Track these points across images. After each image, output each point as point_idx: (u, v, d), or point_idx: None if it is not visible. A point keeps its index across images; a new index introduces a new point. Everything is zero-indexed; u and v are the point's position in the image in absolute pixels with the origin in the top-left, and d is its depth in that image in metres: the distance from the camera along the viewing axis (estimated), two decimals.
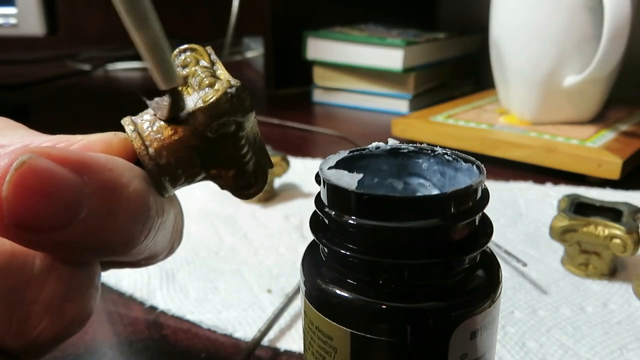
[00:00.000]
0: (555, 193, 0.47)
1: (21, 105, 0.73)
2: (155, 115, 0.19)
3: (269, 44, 0.89)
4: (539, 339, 0.29)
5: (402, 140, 0.20)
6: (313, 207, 0.18)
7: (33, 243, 0.16)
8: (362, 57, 0.77)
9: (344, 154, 0.19)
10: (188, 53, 0.21)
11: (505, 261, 0.36)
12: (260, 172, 0.22)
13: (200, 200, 0.48)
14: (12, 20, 0.68)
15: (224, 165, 0.21)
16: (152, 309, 0.33)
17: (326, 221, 0.17)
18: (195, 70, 0.20)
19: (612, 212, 0.35)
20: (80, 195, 0.16)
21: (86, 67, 1.08)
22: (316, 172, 0.18)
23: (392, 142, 0.20)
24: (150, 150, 0.19)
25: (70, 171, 0.16)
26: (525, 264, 0.35)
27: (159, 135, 0.19)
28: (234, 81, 0.19)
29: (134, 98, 0.90)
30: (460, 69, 0.87)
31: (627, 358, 0.27)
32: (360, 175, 0.18)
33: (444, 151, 0.19)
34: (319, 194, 0.18)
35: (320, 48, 0.80)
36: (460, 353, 0.17)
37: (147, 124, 0.19)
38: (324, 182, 0.17)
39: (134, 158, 0.19)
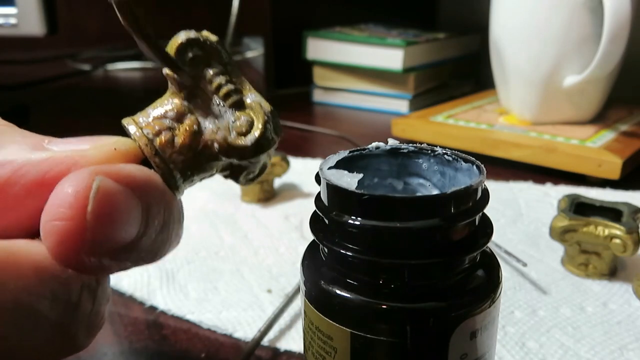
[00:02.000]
0: (555, 193, 0.47)
1: (21, 105, 0.73)
2: (163, 122, 0.18)
3: (269, 44, 0.89)
4: (539, 339, 0.29)
5: (402, 140, 0.20)
6: (313, 207, 0.18)
7: (101, 268, 0.16)
8: (362, 57, 0.77)
9: (344, 154, 0.19)
10: (196, 50, 0.18)
11: (505, 261, 0.36)
12: (263, 167, 0.21)
13: (200, 200, 0.48)
14: (12, 20, 0.68)
15: (239, 172, 0.20)
16: (152, 309, 0.33)
17: (326, 221, 0.17)
18: (212, 77, 0.19)
19: (612, 212, 0.35)
20: (145, 219, 0.16)
21: (86, 67, 1.08)
22: (316, 172, 0.18)
23: (392, 142, 0.20)
24: (164, 158, 0.18)
25: (134, 194, 0.16)
26: (525, 264, 0.35)
27: (171, 143, 0.18)
28: (265, 105, 0.19)
29: (134, 98, 0.90)
30: (460, 69, 0.87)
31: (627, 358, 0.27)
32: (360, 175, 0.18)
33: (444, 151, 0.19)
34: (319, 194, 0.18)
35: (320, 48, 0.80)
36: (460, 353, 0.17)
37: (155, 128, 0.18)
38: (324, 182, 0.17)
39: (139, 160, 0.18)
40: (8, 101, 0.75)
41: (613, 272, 0.34)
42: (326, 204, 0.17)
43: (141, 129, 0.18)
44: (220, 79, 0.18)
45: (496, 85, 0.64)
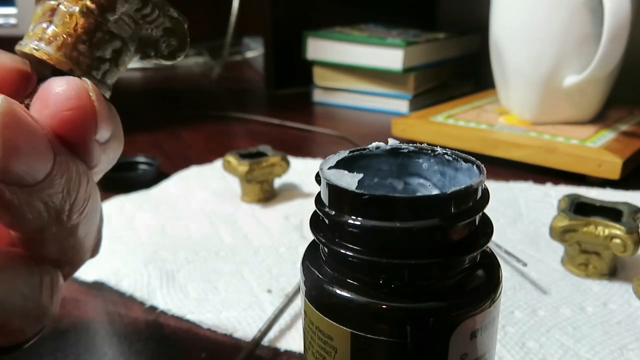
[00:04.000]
0: (555, 193, 0.47)
1: None
2: (41, 25, 0.19)
3: (269, 44, 0.90)
4: (539, 339, 0.29)
5: (402, 140, 0.20)
6: (313, 207, 0.18)
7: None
8: (362, 57, 0.77)
9: (344, 154, 0.19)
10: None
11: (505, 261, 0.36)
12: (180, 30, 0.21)
13: (200, 200, 0.48)
14: (12, 21, 0.68)
15: (143, 37, 0.21)
16: (152, 309, 0.33)
17: (326, 221, 0.17)
18: None
19: (612, 212, 0.35)
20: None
21: None
22: (316, 172, 0.18)
23: (392, 142, 0.20)
24: (67, 55, 0.19)
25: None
26: (525, 264, 0.35)
27: (66, 38, 0.19)
28: None
29: (133, 98, 0.90)
30: (460, 69, 0.87)
31: (627, 358, 0.27)
32: (360, 175, 0.18)
33: (444, 151, 0.19)
34: (319, 194, 0.18)
35: (320, 48, 0.80)
36: (460, 353, 0.17)
37: (44, 36, 0.19)
38: (324, 182, 0.17)
39: (47, 72, 0.19)
40: None
41: (613, 272, 0.34)
42: (326, 204, 0.17)
43: (26, 44, 0.19)
44: None
45: (496, 85, 0.64)
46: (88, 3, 0.19)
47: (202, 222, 0.43)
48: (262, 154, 0.47)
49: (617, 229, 0.32)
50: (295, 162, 0.54)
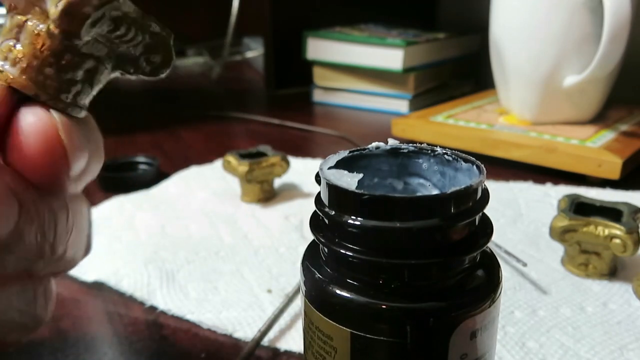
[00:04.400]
0: (555, 193, 0.47)
1: None
2: (11, 49, 0.17)
3: (269, 44, 0.90)
4: (539, 339, 0.29)
5: (402, 140, 0.20)
6: (313, 207, 0.18)
7: None
8: (362, 57, 0.77)
9: (344, 154, 0.19)
10: None
11: (505, 261, 0.36)
12: (163, 45, 0.20)
13: (200, 200, 0.48)
14: None
15: (119, 54, 0.19)
16: (152, 309, 0.33)
17: (326, 221, 0.17)
18: None
19: (612, 212, 0.35)
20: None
21: None
22: (316, 172, 0.18)
23: (392, 142, 0.20)
24: (33, 78, 0.17)
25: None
26: (525, 264, 0.35)
27: (31, 60, 0.17)
28: None
29: (133, 98, 0.90)
30: (460, 69, 0.87)
31: (627, 358, 0.27)
32: (360, 175, 0.18)
33: (444, 151, 0.19)
34: (319, 194, 0.18)
35: (320, 48, 0.80)
36: (460, 353, 0.17)
37: (8, 55, 0.17)
38: (324, 182, 0.17)
39: (12, 101, 0.17)
40: None
41: (613, 272, 0.34)
42: (326, 204, 0.17)
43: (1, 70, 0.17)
44: None
45: (496, 85, 0.64)
46: (51, 27, 0.17)
47: (202, 222, 0.43)
48: (262, 154, 0.47)
49: (617, 229, 0.32)
50: (295, 162, 0.54)
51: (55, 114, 0.17)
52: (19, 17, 0.18)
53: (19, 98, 0.17)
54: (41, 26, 0.17)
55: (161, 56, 0.20)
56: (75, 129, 0.17)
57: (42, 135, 0.16)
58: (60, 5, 0.17)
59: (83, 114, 0.19)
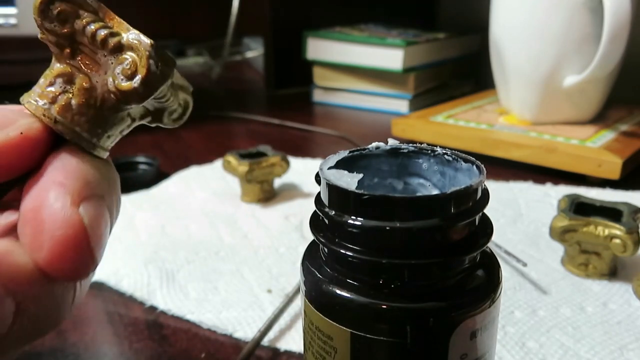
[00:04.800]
0: (555, 193, 0.47)
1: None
2: (60, 89, 0.18)
3: (269, 44, 0.90)
4: (539, 339, 0.29)
5: (402, 140, 0.20)
6: (313, 207, 0.18)
7: None
8: (362, 57, 0.77)
9: (344, 154, 0.19)
10: (58, 4, 0.18)
11: (505, 261, 0.36)
12: (186, 101, 0.21)
13: (200, 200, 0.48)
14: (12, 21, 0.68)
15: (153, 112, 0.20)
16: (152, 309, 0.33)
17: (326, 221, 0.17)
18: (84, 27, 0.18)
19: (612, 212, 0.35)
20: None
21: None
22: (316, 172, 0.18)
23: (392, 142, 0.20)
24: (70, 123, 0.18)
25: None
26: (525, 264, 0.35)
27: (73, 105, 0.18)
28: (145, 40, 0.18)
29: None
30: (460, 69, 0.87)
31: (627, 358, 0.27)
32: (360, 175, 0.18)
33: (444, 151, 0.19)
34: (319, 194, 0.18)
35: (320, 48, 0.80)
36: (460, 353, 0.17)
37: (53, 97, 0.18)
38: (324, 182, 0.17)
39: (49, 140, 0.18)
40: (8, 101, 0.75)
41: (613, 272, 0.34)
42: (326, 204, 0.17)
43: (36, 102, 0.18)
44: (93, 27, 0.18)
45: (496, 85, 0.64)
46: (117, 92, 0.18)
47: (202, 222, 0.43)
48: (262, 154, 0.47)
49: (617, 229, 0.32)
50: (295, 162, 0.54)
51: (83, 209, 0.16)
52: (69, 67, 0.18)
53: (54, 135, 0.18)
54: (95, 78, 0.18)
55: (182, 110, 0.21)
56: (101, 216, 0.17)
57: (68, 230, 0.16)
58: (137, 82, 0.17)
59: (105, 155, 0.19)
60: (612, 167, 0.48)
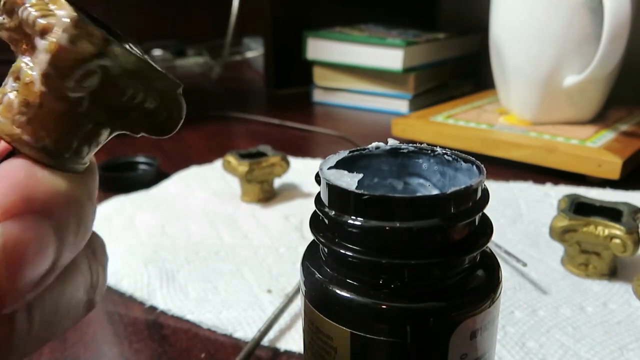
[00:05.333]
0: (555, 193, 0.47)
1: None
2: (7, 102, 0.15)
3: (269, 44, 0.90)
4: (539, 339, 0.29)
5: (402, 140, 0.20)
6: (313, 207, 0.18)
7: None
8: (362, 57, 0.77)
9: (344, 154, 0.19)
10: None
11: (505, 261, 0.36)
12: (170, 100, 0.17)
13: (200, 200, 0.48)
14: None
15: (120, 114, 0.16)
16: (152, 309, 0.33)
17: (326, 221, 0.17)
18: (26, 11, 0.15)
19: (612, 212, 0.35)
20: (60, 243, 0.15)
21: None
22: (316, 172, 0.18)
23: (392, 142, 0.20)
24: (25, 137, 0.15)
25: (44, 223, 0.14)
26: (525, 264, 0.35)
27: (23, 116, 0.15)
28: (67, 12, 0.15)
29: None
30: (460, 69, 0.87)
31: (627, 358, 0.27)
32: (360, 175, 0.18)
33: (444, 151, 0.19)
34: (319, 194, 0.18)
35: (320, 48, 0.80)
36: (460, 353, 0.17)
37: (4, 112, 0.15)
38: (323, 182, 0.17)
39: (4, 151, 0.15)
40: None
41: (613, 272, 0.34)
42: (326, 204, 0.17)
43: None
44: (30, 11, 0.15)
45: (496, 85, 0.64)
46: (38, 77, 0.15)
47: (202, 222, 0.43)
48: (262, 154, 0.47)
49: (617, 229, 0.32)
50: (295, 162, 0.54)
51: (2, 227, 0.13)
52: (18, 61, 0.15)
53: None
54: (33, 73, 0.15)
55: (167, 114, 0.17)
56: (31, 236, 0.14)
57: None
58: (46, 54, 0.15)
59: (83, 167, 0.16)
60: (612, 167, 0.48)
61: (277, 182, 0.50)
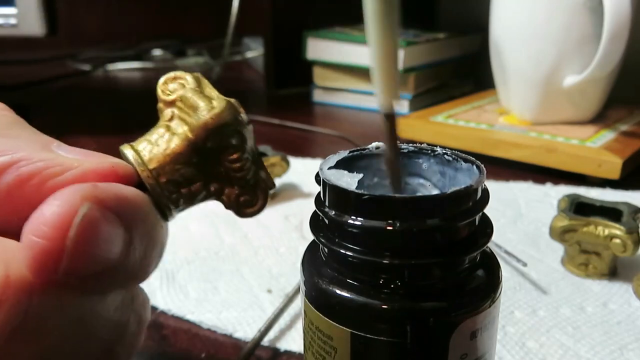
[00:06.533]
0: (555, 193, 0.47)
1: (21, 105, 0.73)
2: (152, 141, 0.20)
3: (269, 44, 0.89)
4: (539, 339, 0.29)
5: (402, 140, 0.20)
6: (313, 207, 0.18)
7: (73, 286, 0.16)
8: (362, 57, 0.77)
9: (344, 154, 0.19)
10: (172, 83, 0.21)
11: (505, 261, 0.36)
12: (262, 188, 0.21)
13: None
14: (12, 21, 0.68)
15: (225, 182, 0.21)
16: (152, 309, 0.33)
17: (326, 221, 0.17)
18: (185, 94, 0.20)
19: (612, 212, 0.35)
20: (128, 242, 0.17)
21: (86, 67, 1.07)
22: (316, 172, 0.18)
23: None
24: (154, 172, 0.19)
25: (118, 219, 0.16)
26: (525, 264, 0.35)
27: (159, 156, 0.19)
28: (225, 99, 0.20)
29: (134, 98, 0.90)
30: (460, 69, 0.87)
31: (627, 358, 0.27)
32: (360, 175, 0.18)
33: (444, 151, 0.19)
34: (319, 194, 0.18)
35: (320, 48, 0.80)
36: (460, 353, 0.17)
37: (145, 146, 0.20)
38: (323, 182, 0.17)
39: (133, 184, 0.19)
40: (8, 101, 0.75)
41: (613, 272, 0.34)
42: (326, 204, 0.17)
43: (137, 152, 0.19)
44: (192, 93, 0.20)
45: (496, 85, 0.64)
46: (189, 133, 0.19)
47: (202, 222, 0.43)
48: (262, 154, 0.47)
49: (617, 229, 0.32)
50: (295, 162, 0.54)
51: (86, 208, 0.15)
52: (170, 111, 0.20)
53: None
54: (179, 130, 0.19)
55: (257, 200, 0.21)
56: (103, 225, 0.16)
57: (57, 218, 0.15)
58: (209, 115, 0.19)
59: (170, 218, 0.21)
60: (612, 167, 0.48)
61: (277, 182, 0.50)
